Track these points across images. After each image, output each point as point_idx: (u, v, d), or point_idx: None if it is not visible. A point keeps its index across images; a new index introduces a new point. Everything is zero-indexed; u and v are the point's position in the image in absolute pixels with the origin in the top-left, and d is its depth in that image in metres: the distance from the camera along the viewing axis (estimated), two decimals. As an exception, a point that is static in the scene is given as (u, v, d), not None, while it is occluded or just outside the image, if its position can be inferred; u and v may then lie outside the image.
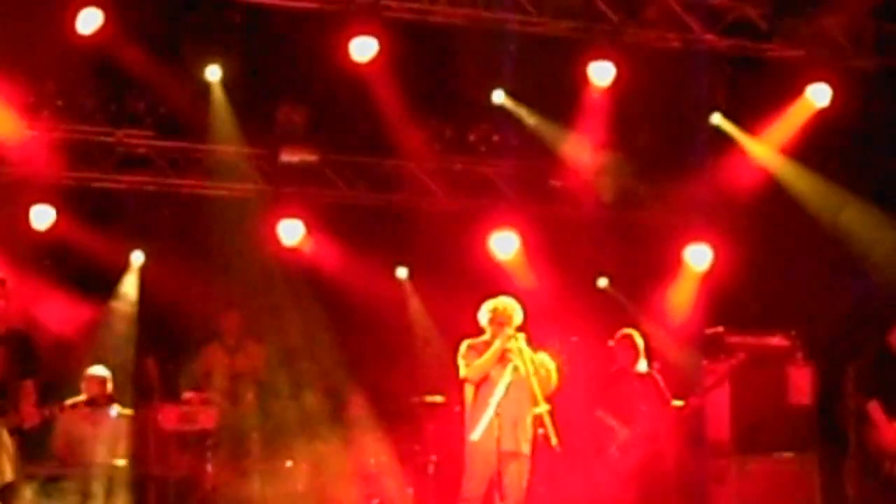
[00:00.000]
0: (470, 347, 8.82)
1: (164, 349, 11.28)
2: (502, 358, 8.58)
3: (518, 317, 8.79)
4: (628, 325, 11.02)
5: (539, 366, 8.55)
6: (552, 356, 8.88)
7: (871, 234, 11.95)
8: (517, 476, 8.71)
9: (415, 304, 13.11)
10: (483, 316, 8.89)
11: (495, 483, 8.45)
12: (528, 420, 8.62)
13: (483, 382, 8.68)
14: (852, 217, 12.11)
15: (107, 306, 12.22)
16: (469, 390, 8.77)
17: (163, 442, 10.95)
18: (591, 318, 12.05)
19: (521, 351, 8.45)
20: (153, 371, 10.53)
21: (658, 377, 10.65)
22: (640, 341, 10.67)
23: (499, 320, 8.79)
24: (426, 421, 11.12)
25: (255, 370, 11.86)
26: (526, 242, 12.90)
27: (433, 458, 10.85)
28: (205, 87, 11.79)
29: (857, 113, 11.65)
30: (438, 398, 11.08)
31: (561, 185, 13.20)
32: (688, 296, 13.04)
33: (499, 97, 12.56)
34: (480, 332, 8.91)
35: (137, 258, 12.53)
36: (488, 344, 8.75)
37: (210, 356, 11.86)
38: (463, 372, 8.76)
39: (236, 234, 12.06)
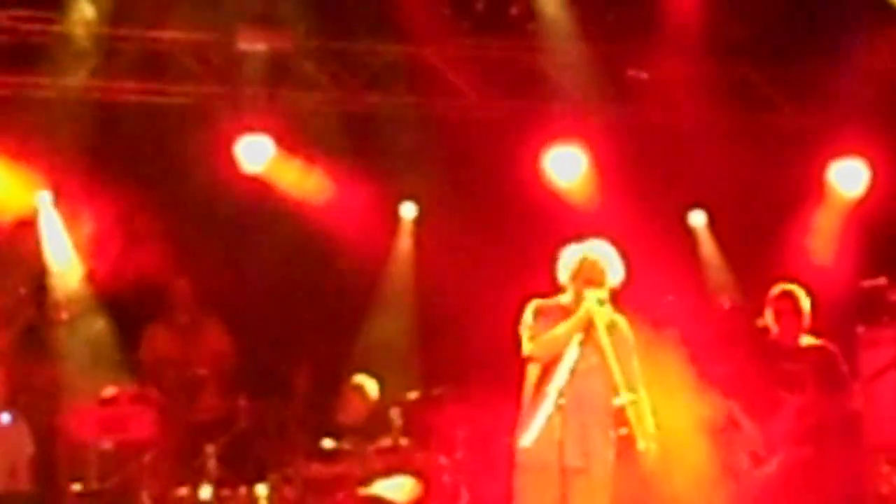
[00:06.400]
0: (539, 312, 7.83)
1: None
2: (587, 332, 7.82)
3: (614, 275, 7.80)
4: (778, 279, 9.78)
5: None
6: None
7: None
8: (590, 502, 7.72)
9: (402, 253, 11.76)
10: (563, 268, 7.91)
11: None
12: (608, 421, 7.67)
13: (553, 364, 7.73)
14: None
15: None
16: (532, 374, 7.79)
17: (77, 459, 10.16)
18: (691, 266, 11.51)
19: (613, 324, 7.67)
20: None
21: (833, 352, 9.39)
22: (805, 304, 9.46)
23: (586, 276, 7.78)
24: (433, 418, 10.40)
25: (216, 358, 10.91)
26: (596, 161, 11.75)
27: (443, 461, 10.14)
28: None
29: None
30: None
31: (647, 79, 11.74)
32: (832, 234, 12.01)
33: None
34: (551, 290, 7.92)
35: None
36: (565, 309, 7.77)
37: (153, 340, 10.97)
38: (526, 347, 7.79)
39: (174, 160, 10.76)
